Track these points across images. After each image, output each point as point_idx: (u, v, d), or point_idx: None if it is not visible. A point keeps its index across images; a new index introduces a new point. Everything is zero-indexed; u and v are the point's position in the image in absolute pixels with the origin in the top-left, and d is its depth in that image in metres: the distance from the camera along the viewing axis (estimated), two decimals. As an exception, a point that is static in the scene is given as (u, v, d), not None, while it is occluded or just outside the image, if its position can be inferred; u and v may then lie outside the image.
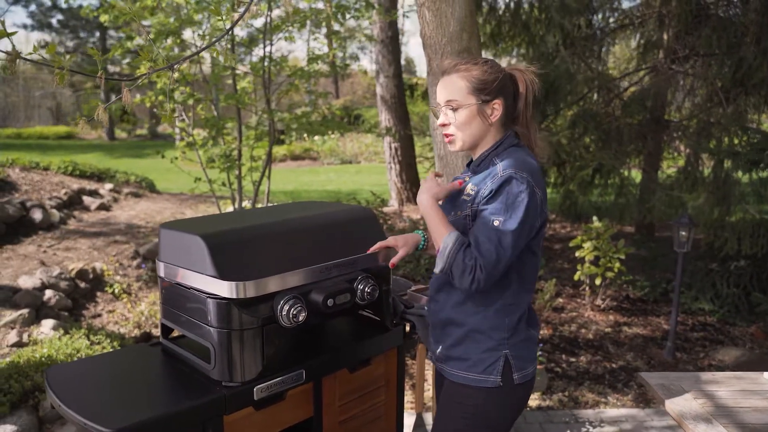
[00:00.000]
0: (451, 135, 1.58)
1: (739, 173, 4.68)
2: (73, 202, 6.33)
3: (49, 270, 4.44)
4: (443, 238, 1.49)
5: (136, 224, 6.10)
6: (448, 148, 1.63)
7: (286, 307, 1.61)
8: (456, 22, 2.72)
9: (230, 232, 1.65)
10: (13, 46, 1.24)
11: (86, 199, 6.53)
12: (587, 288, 4.85)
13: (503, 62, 1.68)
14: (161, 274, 1.78)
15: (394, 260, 1.72)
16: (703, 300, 4.84)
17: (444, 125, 1.59)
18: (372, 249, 1.76)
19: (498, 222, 1.45)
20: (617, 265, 4.47)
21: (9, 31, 1.27)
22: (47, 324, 3.79)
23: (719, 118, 5.43)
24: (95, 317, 4.32)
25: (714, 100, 5.58)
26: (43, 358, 3.20)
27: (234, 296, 1.55)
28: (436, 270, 1.52)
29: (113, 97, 21.94)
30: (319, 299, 1.67)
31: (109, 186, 7.37)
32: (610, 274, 4.52)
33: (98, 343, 3.67)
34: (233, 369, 1.58)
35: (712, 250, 5.03)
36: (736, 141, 5.13)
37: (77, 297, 4.44)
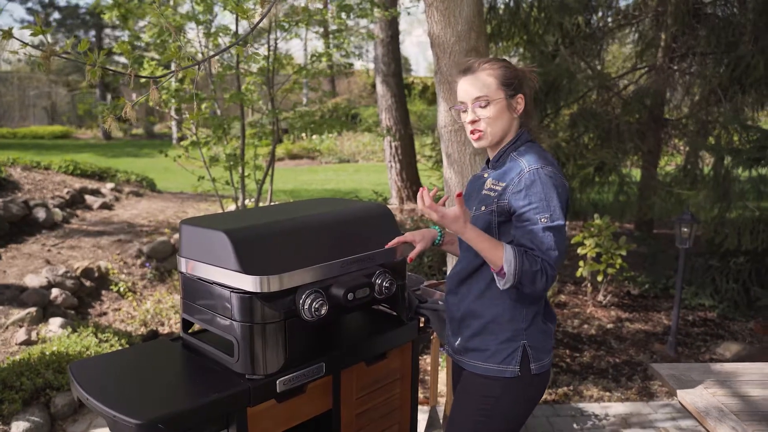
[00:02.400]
0: (481, 131, 1.61)
1: (739, 170, 4.74)
2: (75, 201, 6.33)
3: (55, 269, 4.45)
4: (502, 256, 1.46)
5: (138, 223, 6.11)
6: (476, 144, 1.64)
7: (308, 301, 1.64)
8: (464, 22, 2.75)
9: (253, 228, 1.69)
10: (48, 43, 1.27)
11: (88, 198, 6.54)
12: (589, 284, 4.89)
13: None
14: (182, 269, 1.81)
15: (411, 255, 1.76)
16: (703, 295, 4.90)
17: (474, 122, 1.61)
18: (390, 244, 1.80)
19: (545, 219, 1.49)
20: (619, 261, 4.51)
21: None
22: (55, 322, 3.81)
23: (717, 116, 5.49)
24: (101, 315, 4.34)
25: (712, 99, 5.64)
26: (53, 356, 3.22)
27: (257, 290, 1.58)
28: (505, 286, 1.49)
29: (109, 97, 21.74)
30: (340, 293, 1.70)
31: (110, 185, 7.37)
32: (611, 271, 4.56)
33: (106, 341, 3.70)
34: (256, 362, 1.61)
35: (711, 247, 5.09)
36: (735, 138, 5.19)
37: (83, 295, 4.46)
